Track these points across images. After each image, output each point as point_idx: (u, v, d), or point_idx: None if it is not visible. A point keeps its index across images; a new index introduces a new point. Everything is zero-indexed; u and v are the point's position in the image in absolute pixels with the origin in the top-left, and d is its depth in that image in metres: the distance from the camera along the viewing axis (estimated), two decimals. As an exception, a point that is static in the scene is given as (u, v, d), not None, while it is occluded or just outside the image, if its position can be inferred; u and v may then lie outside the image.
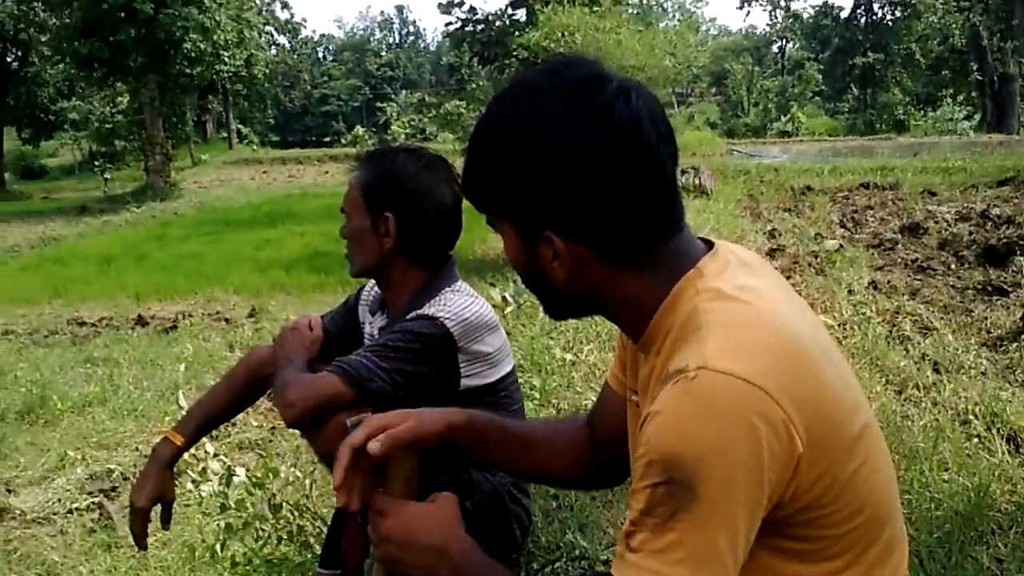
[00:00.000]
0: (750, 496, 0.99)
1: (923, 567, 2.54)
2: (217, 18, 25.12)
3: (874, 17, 53.86)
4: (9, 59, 31.24)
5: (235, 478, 2.78)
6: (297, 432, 2.28)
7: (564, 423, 1.64)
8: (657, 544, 1.00)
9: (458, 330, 2.08)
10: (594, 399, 4.05)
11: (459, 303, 2.13)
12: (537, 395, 4.10)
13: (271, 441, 4.26)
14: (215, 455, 2.99)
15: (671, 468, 0.99)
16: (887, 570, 1.17)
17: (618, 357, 1.46)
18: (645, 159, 1.12)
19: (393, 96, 71.43)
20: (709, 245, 1.23)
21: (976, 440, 3.54)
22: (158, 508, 2.17)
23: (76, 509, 3.69)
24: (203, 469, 2.93)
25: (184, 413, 2.35)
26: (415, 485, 1.31)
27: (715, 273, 1.15)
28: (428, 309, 2.11)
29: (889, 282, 6.69)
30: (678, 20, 72.04)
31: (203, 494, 2.93)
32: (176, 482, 2.26)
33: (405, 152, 2.27)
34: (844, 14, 55.65)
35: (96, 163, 32.24)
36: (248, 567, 2.71)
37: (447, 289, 2.19)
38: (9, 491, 3.95)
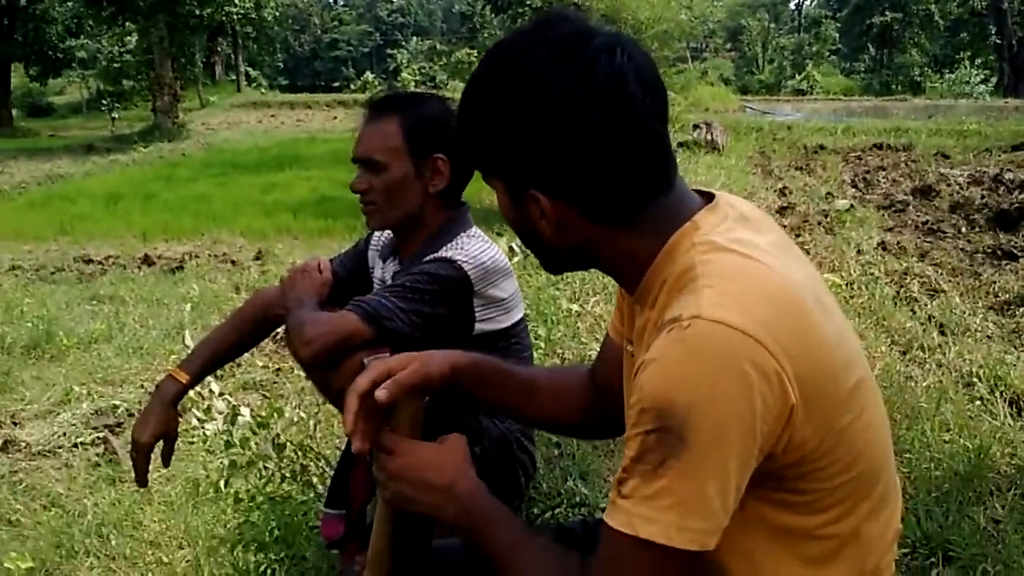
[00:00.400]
0: (742, 445, 0.99)
1: (920, 526, 2.55)
2: (228, -42, 24.86)
3: (895, -25, 53.17)
4: (18, -6, 31.01)
5: (240, 417, 2.79)
6: (302, 373, 2.28)
7: (567, 371, 1.64)
8: (647, 491, 1.00)
9: (476, 274, 2.08)
10: (598, 350, 4.07)
11: (477, 247, 2.13)
12: (542, 344, 4.11)
13: (275, 382, 4.29)
14: (220, 394, 3.00)
15: (663, 416, 0.99)
16: (880, 523, 1.17)
17: (617, 307, 1.46)
18: (628, 116, 1.10)
19: (404, 43, 70.81)
20: (709, 198, 1.21)
21: (979, 402, 3.55)
22: (160, 445, 2.18)
23: (81, 443, 3.73)
24: (208, 408, 2.95)
25: (189, 351, 2.35)
26: (420, 426, 1.31)
27: (712, 226, 1.14)
28: (446, 252, 2.10)
29: (899, 243, 6.68)
30: (695, -27, 71.15)
31: (207, 433, 2.95)
32: (180, 420, 2.27)
33: (429, 95, 2.25)
34: (864, -29, 54.92)
35: (104, 102, 32.04)
36: (251, 504, 2.73)
37: (462, 234, 2.18)
38: (15, 424, 4.00)
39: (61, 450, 3.71)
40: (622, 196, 1.14)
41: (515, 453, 2.20)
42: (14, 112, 32.67)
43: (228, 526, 2.85)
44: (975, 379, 3.79)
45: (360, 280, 2.41)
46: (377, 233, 2.43)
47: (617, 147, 1.10)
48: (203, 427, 2.94)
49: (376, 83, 48.79)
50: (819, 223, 7.57)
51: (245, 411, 2.86)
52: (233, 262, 7.70)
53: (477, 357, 1.45)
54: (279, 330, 2.49)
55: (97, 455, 3.61)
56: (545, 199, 1.15)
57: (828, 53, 53.70)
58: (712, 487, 0.99)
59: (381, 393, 1.24)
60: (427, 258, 2.11)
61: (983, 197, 8.52)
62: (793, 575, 1.14)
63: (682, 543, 0.99)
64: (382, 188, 2.15)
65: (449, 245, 2.13)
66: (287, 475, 2.80)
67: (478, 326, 2.12)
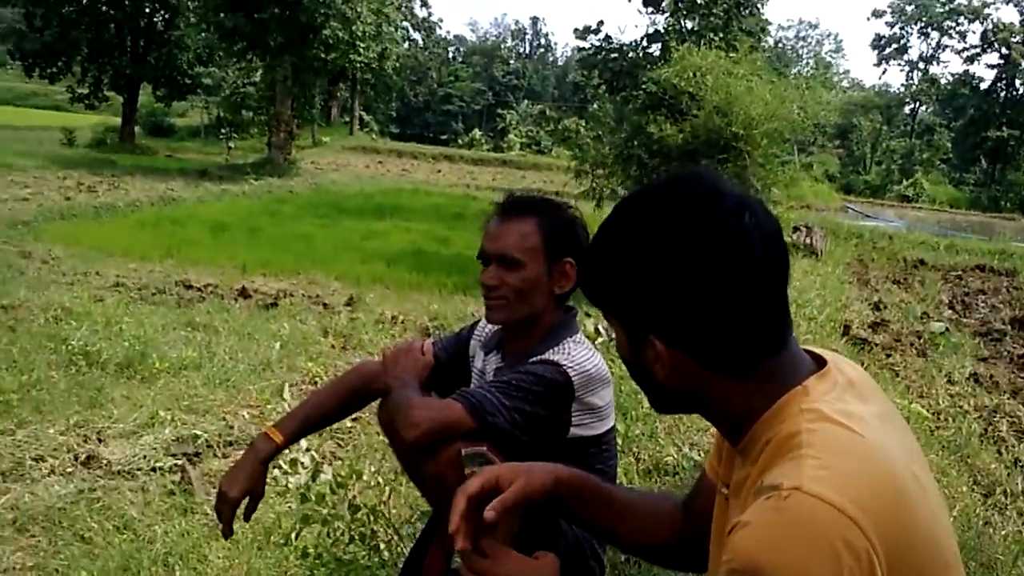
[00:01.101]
0: None
1: None
2: (359, 9, 25.50)
3: (1015, 92, 52.23)
4: (156, 20, 32.38)
5: (321, 475, 2.87)
6: (379, 429, 2.33)
7: (662, 499, 1.66)
8: None
9: (579, 380, 2.12)
10: (675, 454, 4.02)
11: (582, 354, 2.18)
12: (620, 441, 4.03)
13: (351, 432, 4.36)
14: (307, 449, 3.09)
15: None
16: None
17: (716, 447, 1.49)
18: (749, 277, 1.15)
19: (514, 105, 71.92)
20: (821, 361, 1.25)
21: (1059, 560, 3.42)
22: (245, 500, 2.25)
23: (159, 468, 3.84)
24: (293, 460, 3.03)
25: (288, 411, 2.43)
26: (513, 534, 1.38)
27: (821, 394, 1.17)
28: (552, 355, 2.15)
29: (992, 376, 6.50)
30: (812, 67, 70.79)
31: (290, 484, 3.03)
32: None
33: (558, 202, 2.35)
34: (984, 85, 54.10)
35: (222, 130, 33.25)
36: (317, 561, 2.79)
37: (569, 339, 2.23)
38: (100, 440, 4.12)
39: (140, 472, 3.82)
40: (736, 352, 1.18)
41: (587, 560, 2.21)
42: (136, 129, 34.00)
43: (290, 576, 2.91)
44: (1058, 534, 3.66)
45: (459, 367, 2.47)
46: (482, 323, 2.49)
47: (735, 305, 1.15)
48: (285, 477, 3.02)
49: (483, 140, 49.68)
50: (911, 344, 7.42)
51: (328, 469, 2.93)
52: (325, 305, 7.84)
53: (578, 474, 1.50)
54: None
55: (173, 483, 3.70)
56: (661, 345, 1.20)
57: (938, 162, 52.63)
58: None
59: (489, 514, 1.31)
60: (533, 359, 2.16)
61: (1086, 337, 8.25)
62: None
63: None
64: (516, 285, 2.20)
65: (556, 348, 2.18)
66: (355, 537, 2.85)
67: (572, 431, 2.15)
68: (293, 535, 2.91)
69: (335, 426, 4.29)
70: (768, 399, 1.18)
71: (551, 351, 2.17)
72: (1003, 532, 3.63)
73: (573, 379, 2.11)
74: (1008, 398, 5.94)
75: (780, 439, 1.14)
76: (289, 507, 3.21)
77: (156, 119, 41.88)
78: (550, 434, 2.11)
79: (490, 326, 2.42)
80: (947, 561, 1.13)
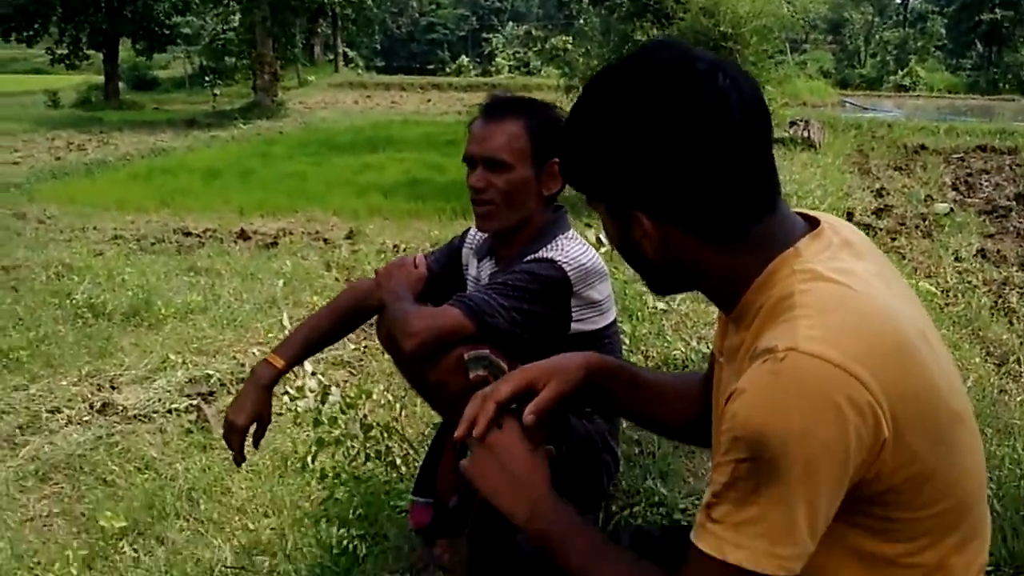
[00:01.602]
0: (832, 476, 1.00)
1: (1006, 544, 2.49)
2: (333, -59, 25.06)
3: (1007, -29, 51.19)
4: (129, -28, 31.78)
5: (330, 397, 2.87)
6: (387, 355, 2.33)
7: (689, 378, 1.63)
8: (738, 517, 1.03)
9: (575, 275, 2.10)
10: (683, 348, 4.03)
11: (576, 249, 2.16)
12: (627, 341, 4.07)
13: (362, 360, 4.39)
14: (312, 373, 3.09)
15: (756, 446, 1.00)
16: (965, 557, 1.16)
17: (719, 320, 1.47)
18: (729, 138, 1.11)
19: (500, 28, 70.82)
20: (814, 222, 1.21)
21: (1075, 421, 3.43)
22: (253, 427, 2.26)
23: (175, 409, 3.90)
24: (300, 386, 3.04)
25: (286, 336, 2.42)
26: (547, 429, 1.38)
27: (814, 253, 1.14)
28: (546, 253, 2.13)
29: (999, 251, 6.47)
30: (798, -36, 69.46)
31: (299, 409, 3.05)
32: (273, 395, 2.34)
33: (541, 102, 2.29)
34: (975, -34, 53.00)
35: (206, 78, 32.81)
36: (335, 480, 2.81)
37: (561, 236, 2.20)
38: (114, 388, 4.18)
39: (156, 415, 3.88)
40: (722, 217, 1.15)
41: (599, 454, 2.22)
42: (120, 85, 33.58)
43: (312, 499, 2.95)
44: (1072, 397, 3.67)
45: (453, 277, 2.45)
46: (473, 231, 2.45)
47: (718, 168, 1.11)
48: (295, 404, 3.03)
49: (470, 67, 49.04)
50: (916, 227, 7.38)
51: (335, 391, 2.94)
52: (325, 240, 7.83)
53: (608, 361, 1.49)
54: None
55: (190, 422, 3.76)
56: (647, 219, 1.17)
57: (933, 49, 51.82)
58: (802, 515, 1.01)
59: (529, 418, 1.33)
60: (527, 258, 2.14)
61: (1090, 206, 8.21)
62: None
63: (770, 569, 1.01)
64: (504, 188, 2.16)
65: (549, 246, 2.16)
66: (371, 455, 2.87)
67: (574, 326, 2.14)
68: (310, 459, 2.93)
69: (344, 356, 4.34)
70: (759, 264, 1.15)
71: (545, 249, 2.15)
72: (1018, 399, 3.64)
73: (569, 274, 2.10)
74: (1016, 270, 5.91)
75: (773, 302, 1.11)
76: (307, 435, 3.23)
77: (139, 73, 41.29)
78: (551, 331, 2.10)
79: (481, 234, 2.39)
80: (954, 411, 1.11)
